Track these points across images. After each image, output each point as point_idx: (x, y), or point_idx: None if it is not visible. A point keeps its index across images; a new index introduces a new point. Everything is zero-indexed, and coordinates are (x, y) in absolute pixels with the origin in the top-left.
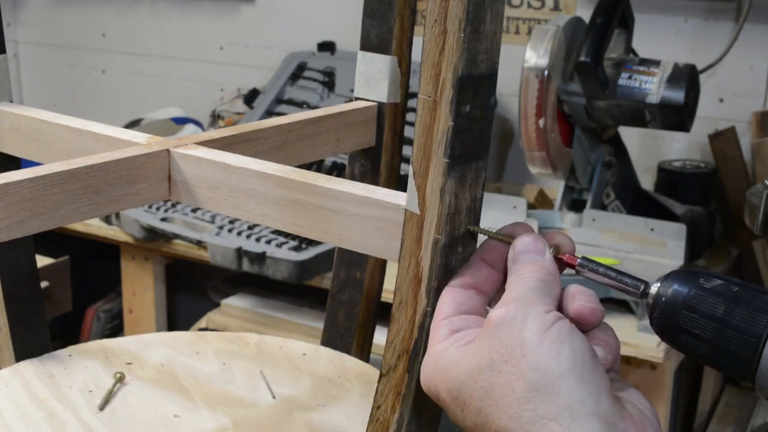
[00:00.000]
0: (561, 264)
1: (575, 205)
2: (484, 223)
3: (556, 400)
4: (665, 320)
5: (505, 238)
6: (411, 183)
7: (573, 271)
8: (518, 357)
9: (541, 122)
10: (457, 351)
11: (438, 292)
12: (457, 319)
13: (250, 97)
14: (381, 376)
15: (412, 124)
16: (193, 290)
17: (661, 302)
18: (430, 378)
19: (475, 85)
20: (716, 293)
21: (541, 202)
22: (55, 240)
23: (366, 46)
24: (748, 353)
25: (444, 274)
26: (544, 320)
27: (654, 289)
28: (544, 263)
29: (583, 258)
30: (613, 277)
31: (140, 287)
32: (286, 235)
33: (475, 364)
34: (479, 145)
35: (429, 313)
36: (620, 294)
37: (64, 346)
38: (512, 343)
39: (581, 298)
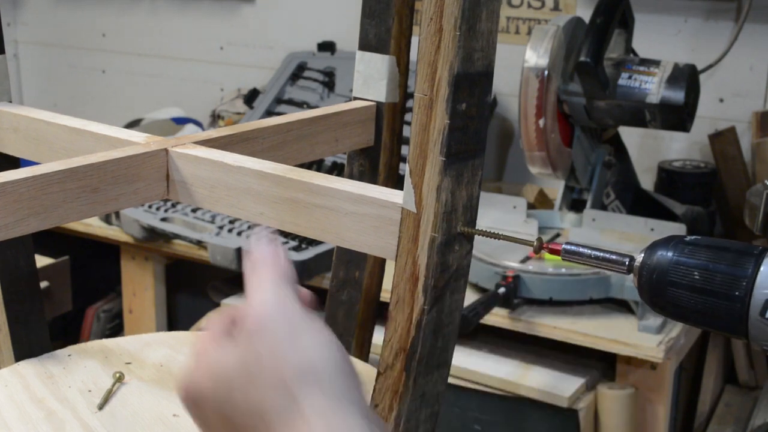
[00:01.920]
0: (548, 252)
1: (575, 205)
2: (484, 224)
3: (322, 385)
4: (653, 282)
5: (495, 236)
6: (408, 181)
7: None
8: (285, 350)
9: (541, 122)
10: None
11: (435, 290)
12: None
13: (250, 97)
14: (378, 374)
15: (410, 123)
16: (193, 290)
17: (648, 267)
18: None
19: (471, 83)
20: (702, 246)
21: (541, 202)
22: (55, 240)
23: (364, 45)
24: (738, 300)
25: (441, 272)
26: (296, 316)
27: (639, 258)
28: (280, 263)
29: (567, 243)
30: (599, 258)
31: (140, 287)
32: (286, 234)
33: (236, 366)
34: (475, 143)
35: (426, 311)
36: (620, 293)
37: (64, 346)
38: (270, 343)
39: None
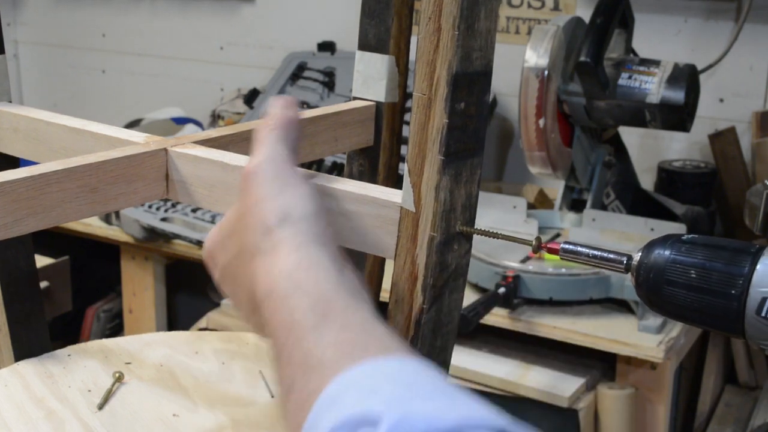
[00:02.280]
0: (547, 251)
1: (575, 205)
2: (484, 224)
3: (298, 228)
4: (650, 280)
5: (494, 235)
6: (406, 180)
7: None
8: (269, 198)
9: (541, 122)
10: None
11: (434, 289)
12: None
13: (250, 97)
14: None
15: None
16: (193, 290)
17: (645, 266)
18: None
19: (470, 82)
20: (699, 244)
21: (541, 202)
22: (55, 240)
23: (364, 45)
24: (734, 298)
25: (440, 272)
26: (284, 170)
27: (637, 257)
28: (283, 120)
29: (565, 243)
30: (597, 257)
31: (140, 287)
32: None
33: (232, 214)
34: (474, 142)
35: (425, 311)
36: (620, 293)
37: (64, 346)
38: (258, 192)
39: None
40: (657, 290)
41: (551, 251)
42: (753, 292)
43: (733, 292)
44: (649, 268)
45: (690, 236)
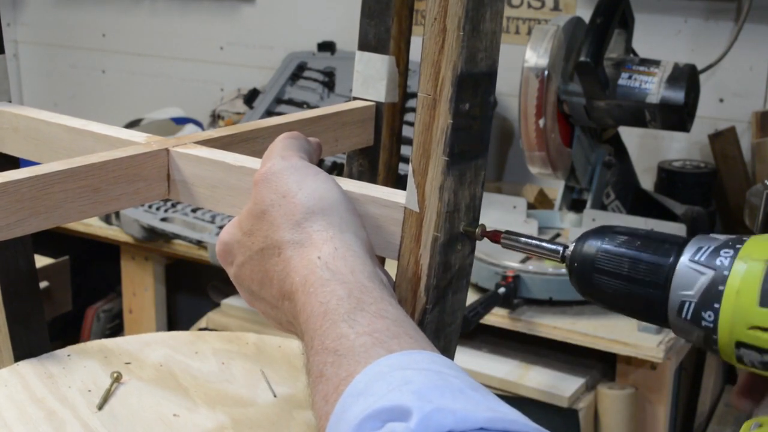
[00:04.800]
0: (489, 239)
1: (575, 205)
2: (484, 224)
3: (330, 219)
4: (582, 268)
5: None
6: (410, 181)
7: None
8: (294, 192)
9: (541, 122)
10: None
11: (437, 289)
12: None
13: (250, 97)
14: None
15: (410, 123)
16: (193, 290)
17: (579, 255)
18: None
19: (475, 83)
20: (629, 234)
21: (541, 202)
22: (55, 240)
23: (364, 45)
24: (659, 287)
25: (443, 272)
26: (301, 164)
27: (571, 248)
28: (289, 133)
29: (506, 231)
30: (534, 245)
31: (140, 287)
32: None
33: (252, 212)
34: (479, 143)
35: (428, 311)
36: None
37: (64, 346)
38: (279, 188)
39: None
40: (588, 278)
41: (493, 239)
42: (673, 295)
43: (657, 281)
44: (581, 257)
45: (623, 227)
